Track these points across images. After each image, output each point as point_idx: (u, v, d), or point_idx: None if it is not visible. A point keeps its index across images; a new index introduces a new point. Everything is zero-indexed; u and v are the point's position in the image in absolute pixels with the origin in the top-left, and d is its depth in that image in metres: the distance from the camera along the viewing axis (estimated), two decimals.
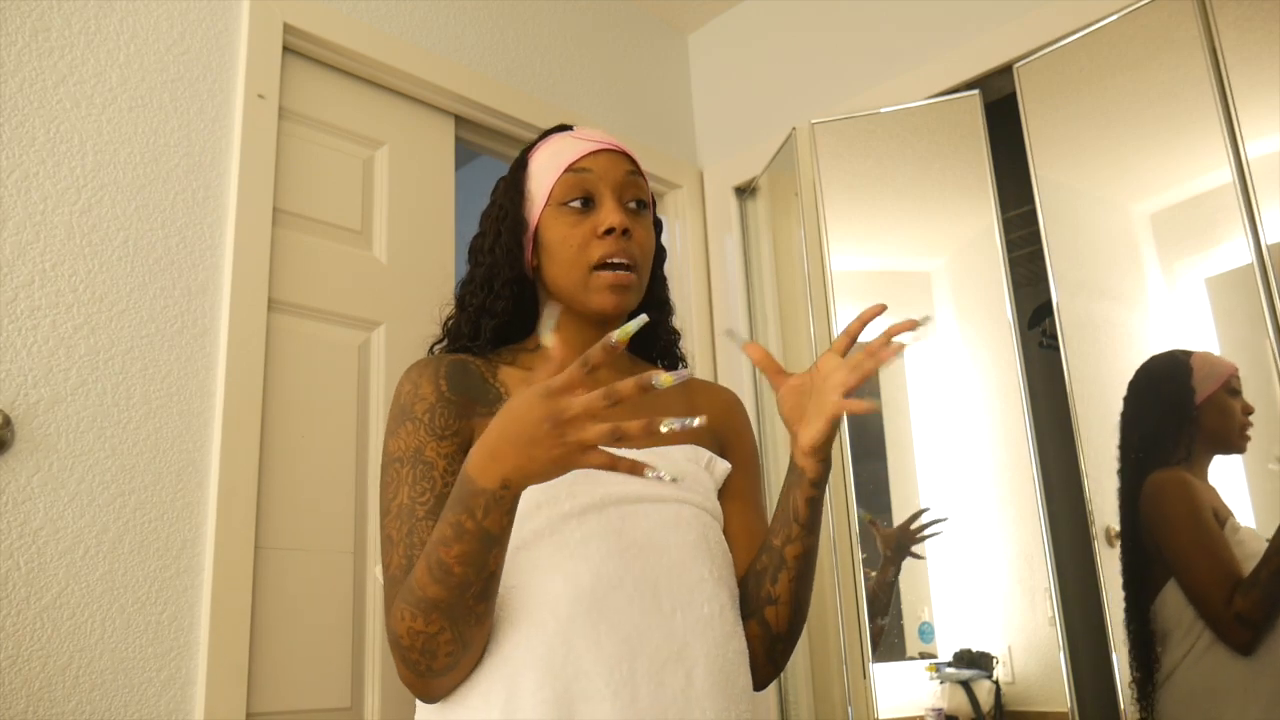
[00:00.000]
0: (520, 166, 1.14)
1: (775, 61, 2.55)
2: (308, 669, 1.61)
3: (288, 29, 1.80)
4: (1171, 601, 1.65)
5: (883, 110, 2.18)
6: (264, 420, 1.62)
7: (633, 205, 1.09)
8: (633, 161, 1.12)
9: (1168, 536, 1.67)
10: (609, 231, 1.04)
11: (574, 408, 0.76)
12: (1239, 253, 1.66)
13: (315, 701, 1.61)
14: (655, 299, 1.20)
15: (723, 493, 1.09)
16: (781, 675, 2.24)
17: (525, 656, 0.88)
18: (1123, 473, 1.75)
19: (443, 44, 2.08)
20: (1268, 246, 1.61)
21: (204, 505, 1.53)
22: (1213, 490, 1.66)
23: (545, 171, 1.10)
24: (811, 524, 0.99)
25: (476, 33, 2.16)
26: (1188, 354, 1.71)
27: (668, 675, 0.89)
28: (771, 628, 1.01)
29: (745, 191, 2.58)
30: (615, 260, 1.04)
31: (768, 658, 1.03)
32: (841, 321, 2.12)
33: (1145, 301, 1.87)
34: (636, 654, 0.88)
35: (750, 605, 1.03)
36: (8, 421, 1.35)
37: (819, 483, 0.97)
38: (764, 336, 2.46)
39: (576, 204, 1.07)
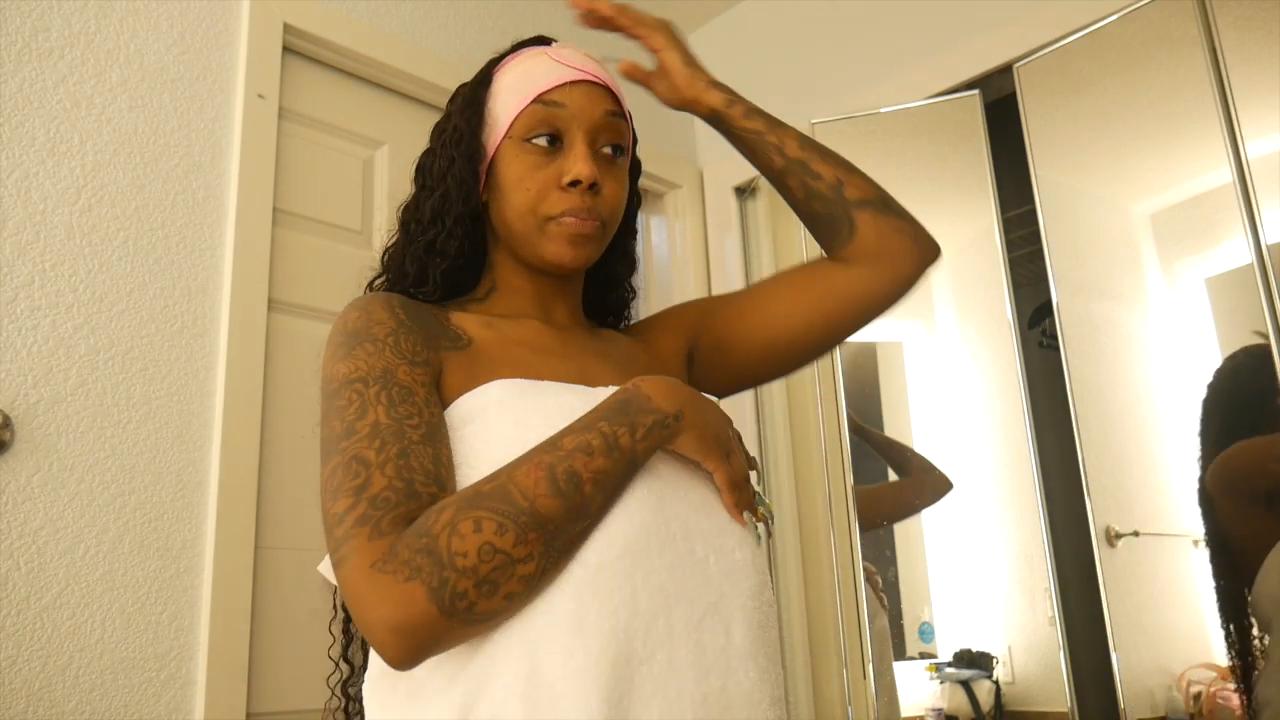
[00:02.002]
0: (484, 83, 0.98)
1: (775, 62, 2.55)
2: (308, 669, 1.60)
3: (288, 29, 1.80)
4: (1267, 588, 1.61)
5: (883, 110, 2.18)
6: (264, 420, 1.62)
7: (608, 151, 0.94)
8: (615, 100, 0.96)
9: (1241, 472, 1.68)
10: (574, 183, 0.90)
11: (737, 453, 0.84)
12: (1239, 253, 1.66)
13: (315, 701, 1.60)
14: (621, 251, 1.05)
15: (719, 349, 1.02)
16: (781, 674, 2.25)
17: (550, 616, 0.72)
18: (1204, 465, 1.72)
19: (442, 44, 2.08)
20: (1268, 246, 1.61)
21: (204, 505, 1.53)
22: None
23: (511, 96, 0.94)
24: (773, 123, 1.01)
25: (477, 32, 2.16)
26: (1269, 348, 1.69)
27: (706, 631, 0.76)
28: (869, 195, 1.03)
29: (745, 191, 2.58)
30: (578, 216, 0.90)
31: (897, 222, 1.03)
32: None
33: (1145, 301, 1.87)
34: (673, 606, 0.75)
35: (837, 216, 1.01)
36: (8, 421, 1.35)
37: (732, 100, 1.00)
38: None
39: (541, 141, 0.91)
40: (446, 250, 0.95)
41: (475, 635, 0.72)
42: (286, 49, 1.82)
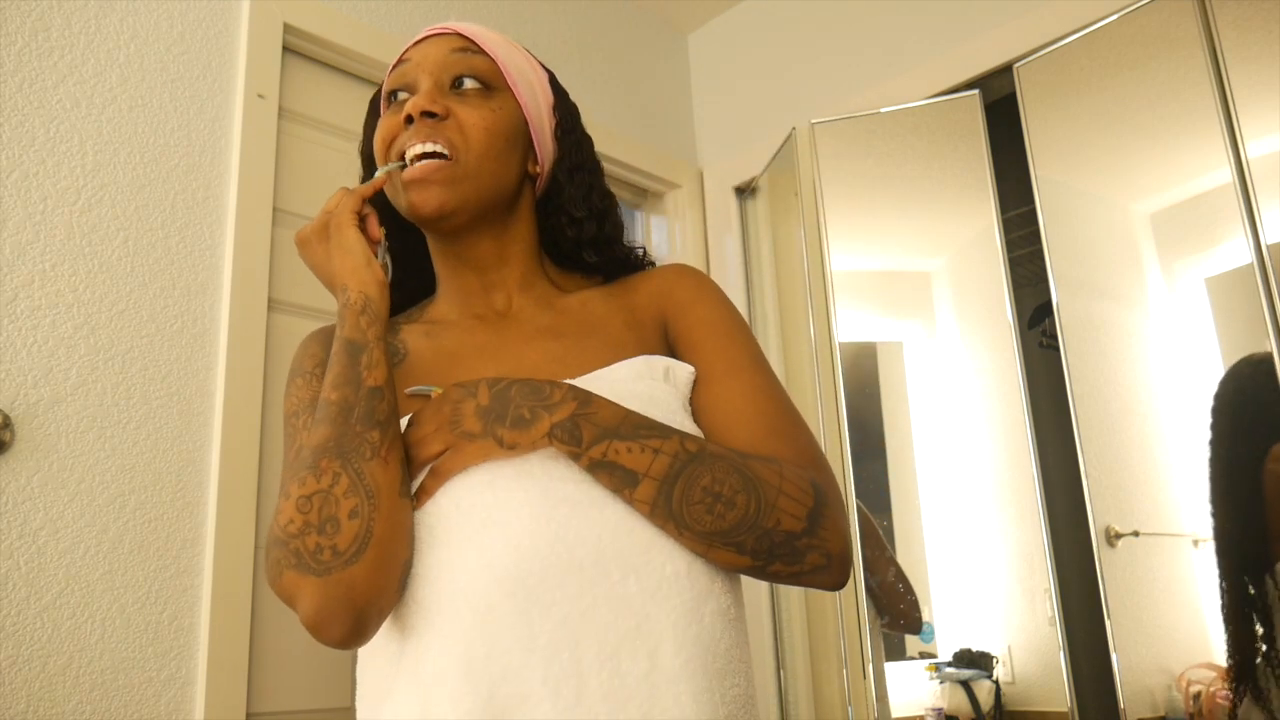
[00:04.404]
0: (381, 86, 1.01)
1: (775, 61, 2.55)
2: (308, 669, 1.61)
3: (288, 29, 1.80)
4: None
5: (883, 110, 2.18)
6: (264, 420, 1.62)
7: (464, 85, 0.91)
8: (466, 39, 0.94)
9: None
10: (409, 119, 0.88)
11: (332, 202, 0.86)
12: (1239, 253, 1.65)
13: (315, 701, 1.61)
14: (568, 216, 0.97)
15: (694, 385, 0.88)
16: (781, 675, 2.24)
17: (439, 660, 0.72)
18: (1219, 469, 1.69)
19: None
20: (1268, 246, 1.61)
21: (204, 505, 1.53)
22: None
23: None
24: (622, 481, 0.76)
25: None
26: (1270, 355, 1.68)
27: (624, 659, 0.72)
28: (737, 568, 0.79)
29: (745, 191, 2.58)
30: (418, 150, 0.87)
31: (786, 580, 0.80)
32: (842, 321, 2.12)
33: (1145, 301, 1.87)
34: (580, 639, 0.71)
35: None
36: (8, 421, 1.35)
37: (574, 456, 0.77)
38: (764, 336, 2.46)
39: (391, 99, 0.93)
40: None
41: (378, 563, 0.72)
42: (286, 49, 1.82)
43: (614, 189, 2.87)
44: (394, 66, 0.96)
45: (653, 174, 2.52)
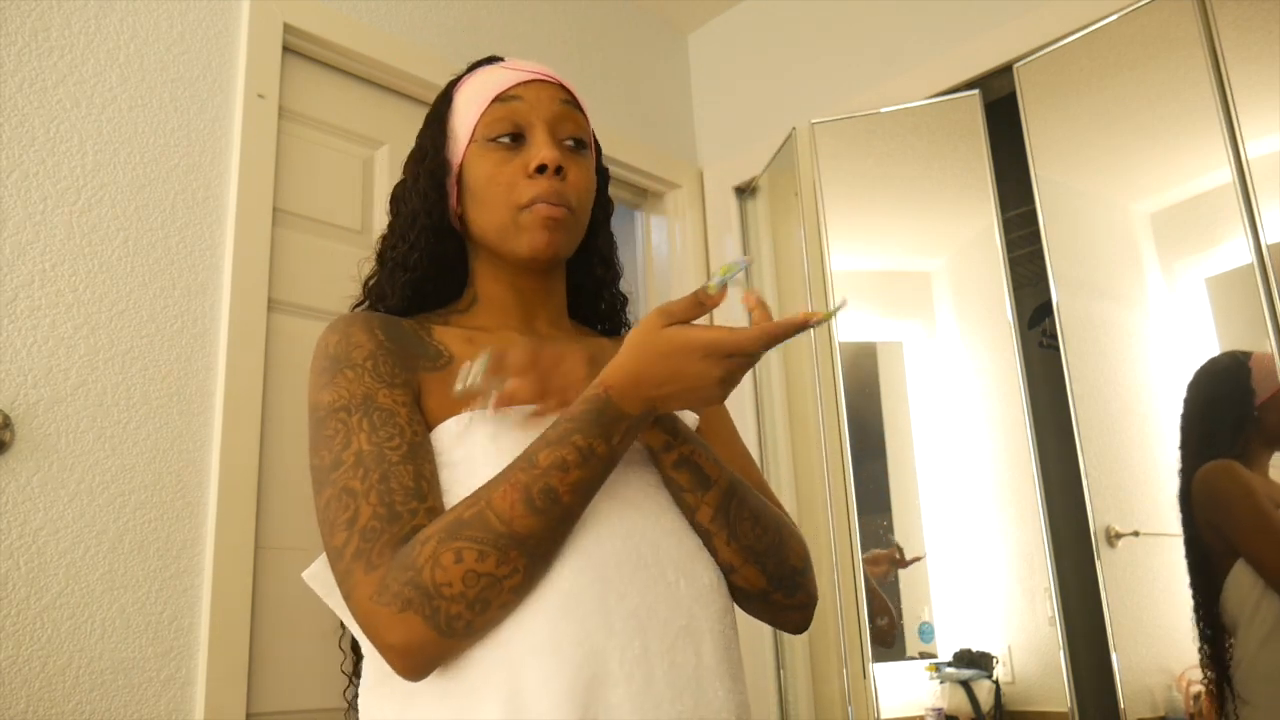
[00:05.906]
0: (444, 101, 1.02)
1: (775, 61, 2.55)
2: (308, 669, 1.61)
3: (288, 29, 1.80)
4: (1235, 592, 1.65)
5: (883, 110, 2.18)
6: (264, 420, 1.62)
7: (570, 143, 0.97)
8: (569, 94, 1.00)
9: (1226, 521, 1.69)
10: (541, 169, 0.93)
11: (742, 367, 0.79)
12: (1239, 253, 1.66)
13: (315, 701, 1.61)
14: (600, 256, 1.08)
15: None
16: (781, 675, 2.25)
17: (529, 640, 0.75)
18: (1183, 473, 1.73)
19: (442, 44, 2.08)
20: (1268, 246, 1.61)
21: (204, 505, 1.53)
22: (1271, 483, 1.67)
23: (471, 105, 0.98)
24: (698, 482, 0.86)
25: (476, 32, 2.16)
26: (1246, 354, 1.69)
27: (679, 652, 0.79)
28: (753, 588, 0.88)
29: (745, 191, 2.58)
30: (557, 211, 0.93)
31: (774, 610, 0.91)
32: (842, 321, 2.12)
33: (1145, 301, 1.87)
34: (647, 629, 0.78)
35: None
36: (8, 421, 1.35)
37: (667, 446, 0.85)
38: None
39: (505, 139, 0.95)
40: (409, 262, 0.99)
41: (480, 639, 0.77)
42: (286, 49, 1.82)
43: (614, 189, 2.87)
44: (497, 96, 0.97)
45: (653, 174, 2.52)
